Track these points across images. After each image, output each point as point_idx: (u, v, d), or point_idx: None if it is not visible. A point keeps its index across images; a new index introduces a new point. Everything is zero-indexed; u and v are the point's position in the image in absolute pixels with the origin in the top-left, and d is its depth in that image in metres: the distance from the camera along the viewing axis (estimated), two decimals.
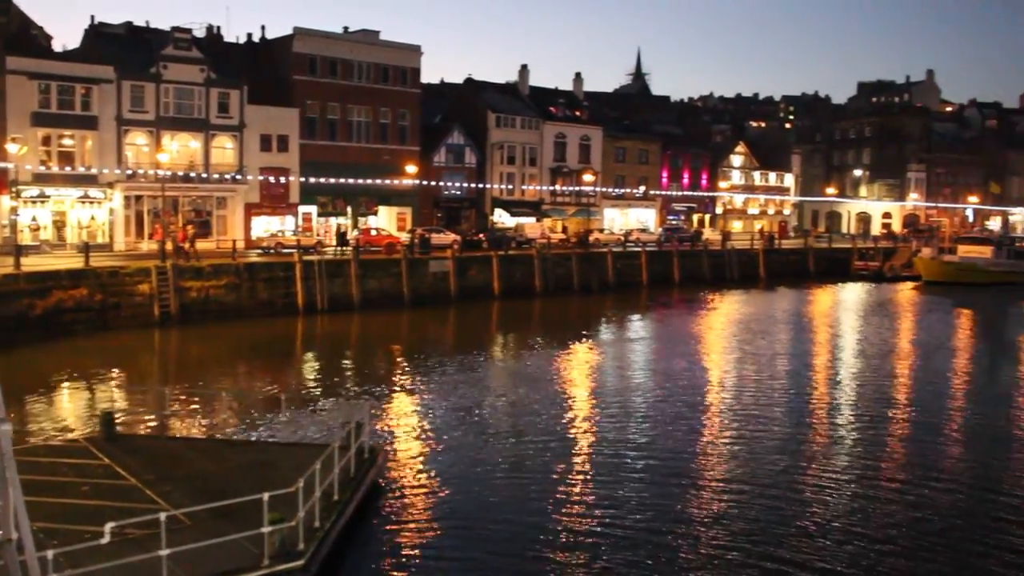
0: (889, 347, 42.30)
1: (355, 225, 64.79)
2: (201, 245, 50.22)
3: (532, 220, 76.98)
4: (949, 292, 66.57)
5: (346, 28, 68.50)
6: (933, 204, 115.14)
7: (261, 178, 60.10)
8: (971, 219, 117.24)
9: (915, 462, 22.75)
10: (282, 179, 61.08)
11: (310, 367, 36.10)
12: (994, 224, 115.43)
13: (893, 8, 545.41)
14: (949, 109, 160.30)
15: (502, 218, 76.87)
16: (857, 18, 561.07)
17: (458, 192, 74.24)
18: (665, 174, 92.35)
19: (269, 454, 19.96)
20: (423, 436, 23.98)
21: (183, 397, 27.84)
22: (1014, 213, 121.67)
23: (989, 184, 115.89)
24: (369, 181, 64.38)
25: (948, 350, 42.36)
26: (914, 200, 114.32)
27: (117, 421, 21.76)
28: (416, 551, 16.58)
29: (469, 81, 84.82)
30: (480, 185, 75.32)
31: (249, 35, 68.27)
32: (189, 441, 22.01)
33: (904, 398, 31.06)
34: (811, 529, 17.77)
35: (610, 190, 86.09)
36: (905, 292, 68.28)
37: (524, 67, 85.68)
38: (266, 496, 13.89)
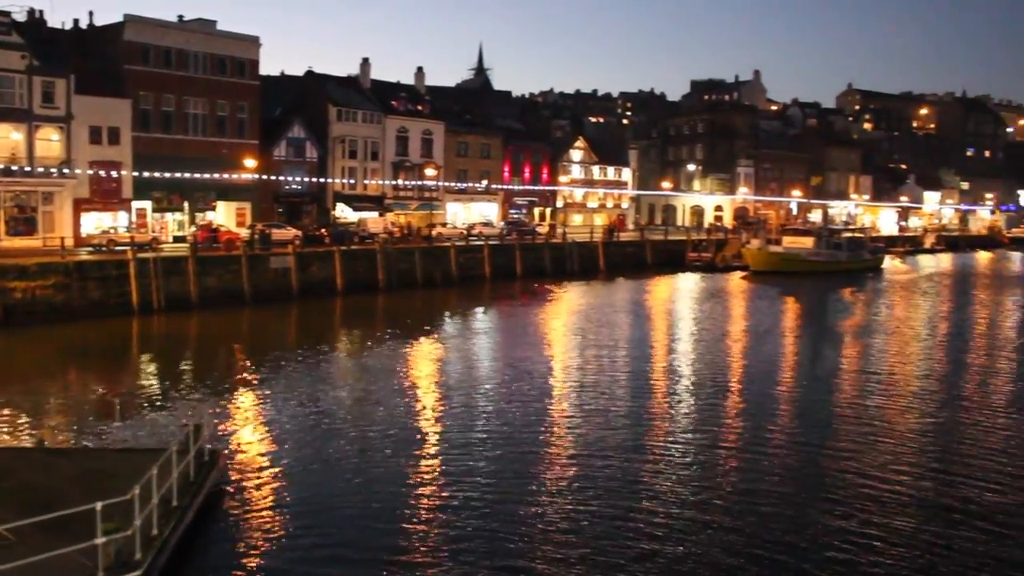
0: (722, 332, 44.69)
1: (192, 221, 62.99)
2: (25, 243, 47.80)
3: (375, 215, 76.71)
4: (775, 281, 70.34)
5: (181, 17, 66.22)
6: (761, 197, 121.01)
7: (91, 172, 57.43)
8: (795, 212, 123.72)
9: (748, 437, 24.39)
10: (114, 173, 58.51)
11: (146, 369, 34.96)
12: (816, 216, 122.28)
13: (723, 9, 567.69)
14: (774, 108, 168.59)
15: (344, 213, 76.23)
16: (691, 18, 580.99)
17: (299, 187, 73.15)
18: (507, 168, 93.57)
19: (103, 461, 19.20)
20: (266, 436, 23.78)
21: (7, 405, 26.59)
22: (833, 206, 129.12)
23: (810, 179, 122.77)
24: (207, 175, 62.56)
25: (775, 334, 45.11)
26: (743, 194, 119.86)
27: None
28: (260, 552, 16.51)
29: (310, 74, 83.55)
30: (322, 180, 74.45)
31: (76, 21, 65.02)
32: (14, 451, 21.01)
33: (736, 379, 32.92)
34: (655, 507, 18.68)
35: (453, 184, 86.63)
36: (735, 281, 71.62)
37: (366, 60, 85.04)
38: (99, 505, 13.32)
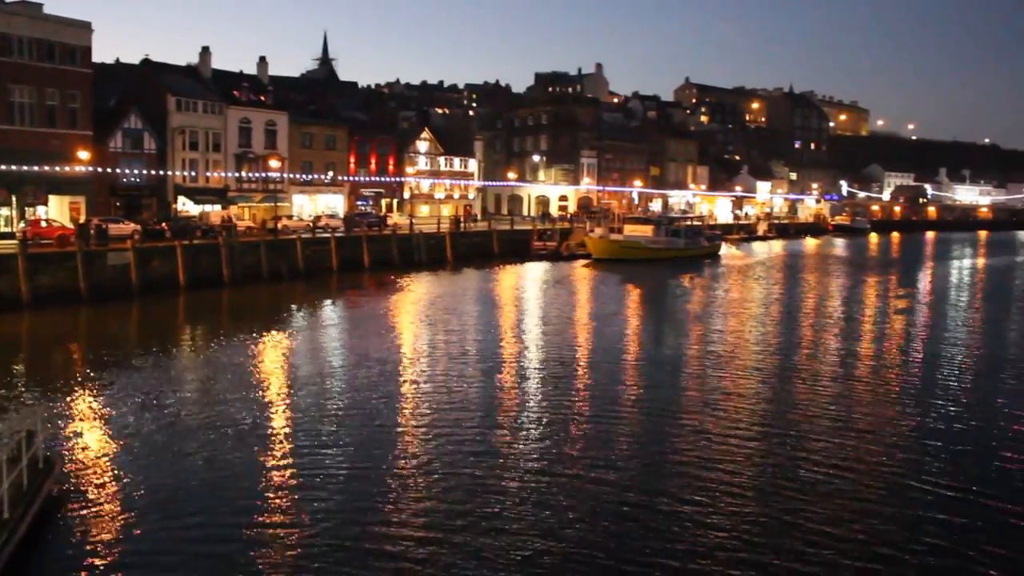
0: (566, 317, 46.21)
1: (22, 216, 60.14)
2: None
3: (218, 207, 75.07)
4: (616, 268, 72.78)
5: None
6: (604, 187, 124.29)
7: None
8: (636, 201, 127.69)
9: (595, 414, 25.50)
10: None
11: None
12: (656, 206, 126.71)
13: (567, 3, 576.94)
14: (616, 100, 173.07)
15: (186, 206, 74.35)
16: (535, 11, 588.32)
17: (137, 179, 70.85)
18: (353, 160, 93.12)
19: None
20: (108, 439, 23.28)
21: None
22: (672, 196, 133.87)
23: (650, 169, 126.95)
24: (36, 168, 59.78)
25: (616, 318, 46.98)
26: (587, 184, 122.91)
27: None
28: (100, 559, 16.26)
29: (147, 62, 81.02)
30: (161, 172, 72.35)
31: None
32: None
33: (582, 360, 34.10)
34: (510, 488, 19.37)
35: (298, 176, 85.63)
36: (579, 269, 73.61)
37: (206, 49, 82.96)
38: None
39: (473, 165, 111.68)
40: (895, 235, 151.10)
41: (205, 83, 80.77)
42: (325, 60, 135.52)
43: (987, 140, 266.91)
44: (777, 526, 17.94)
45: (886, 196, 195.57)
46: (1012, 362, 36.49)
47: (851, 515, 18.54)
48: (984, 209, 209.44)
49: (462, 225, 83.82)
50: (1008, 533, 17.96)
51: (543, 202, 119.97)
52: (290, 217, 77.77)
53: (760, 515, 18.50)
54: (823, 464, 21.80)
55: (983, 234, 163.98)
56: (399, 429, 24.46)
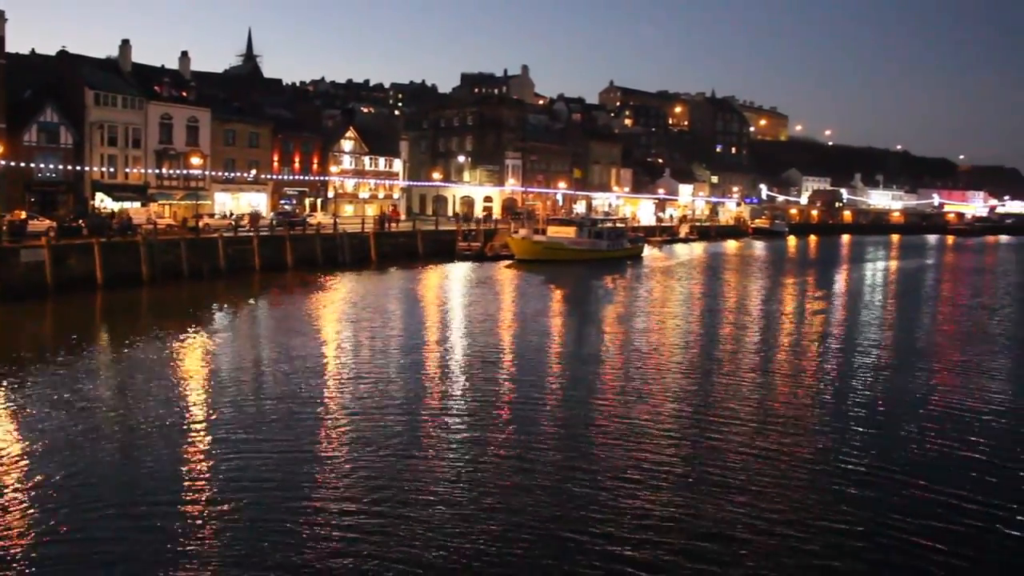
0: (489, 317, 46.56)
1: None
2: None
3: (137, 204, 73.84)
4: (539, 269, 73.50)
5: None
6: (528, 189, 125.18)
7: None
8: (561, 203, 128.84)
9: (516, 411, 25.88)
10: None
11: None
12: (581, 207, 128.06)
13: (494, 4, 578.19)
14: (541, 102, 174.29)
15: (105, 203, 72.96)
16: (462, 11, 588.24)
17: (53, 175, 69.43)
18: (276, 158, 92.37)
19: None
20: (16, 439, 22.93)
21: None
22: (596, 198, 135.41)
23: (575, 171, 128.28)
24: None
25: (538, 318, 47.40)
26: (512, 185, 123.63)
27: None
28: (5, 557, 16.17)
29: (64, 54, 79.20)
30: (78, 168, 70.93)
31: None
32: None
33: (504, 360, 34.48)
34: (428, 486, 19.67)
35: (220, 174, 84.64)
36: (502, 270, 74.15)
37: (126, 42, 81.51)
38: None
39: (398, 165, 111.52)
40: (813, 238, 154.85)
41: (125, 77, 79.36)
42: (250, 56, 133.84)
43: (899, 147, 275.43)
44: (694, 514, 18.57)
45: (804, 200, 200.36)
46: (921, 354, 38.69)
47: (769, 502, 19.27)
48: (896, 214, 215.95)
49: (387, 225, 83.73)
50: (921, 510, 19.03)
51: (468, 203, 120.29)
52: (211, 215, 76.82)
53: (679, 505, 19.10)
54: (740, 452, 22.63)
55: (895, 238, 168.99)
56: (319, 426, 24.58)
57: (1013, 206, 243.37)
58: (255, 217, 73.51)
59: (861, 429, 25.48)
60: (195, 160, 77.46)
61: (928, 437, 24.88)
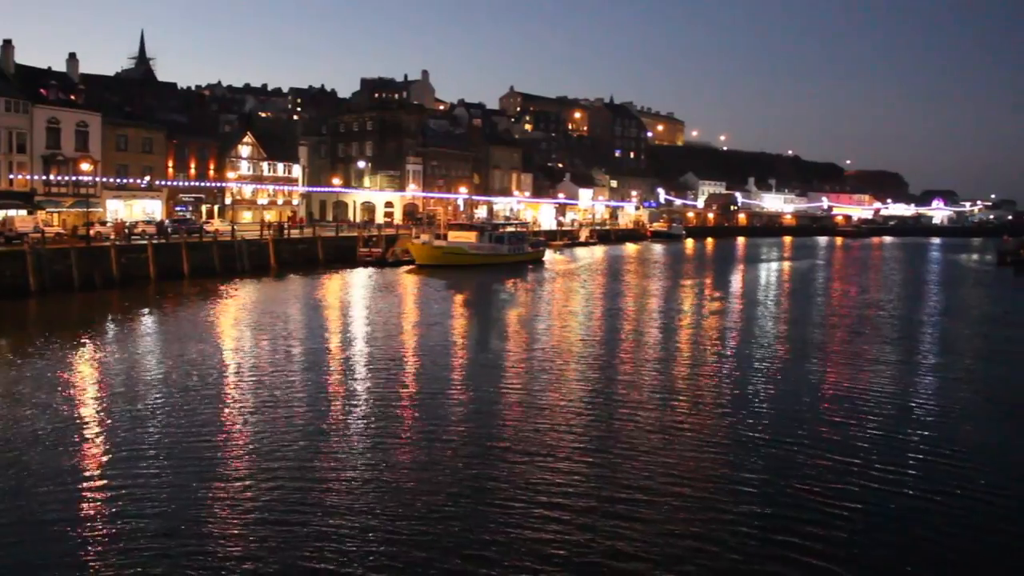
0: (390, 322, 46.60)
1: None
2: None
3: (23, 212, 71.34)
4: (441, 274, 73.77)
5: None
6: (430, 194, 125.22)
7: None
8: (462, 208, 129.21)
9: (420, 416, 25.76)
10: None
11: None
12: (482, 212, 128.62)
13: (393, 8, 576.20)
14: (442, 107, 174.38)
15: None
16: (362, 15, 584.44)
17: None
18: (171, 164, 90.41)
19: None
20: None
21: None
22: (497, 202, 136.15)
23: (475, 176, 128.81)
24: None
25: (439, 322, 47.65)
26: (413, 190, 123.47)
27: None
28: None
29: None
30: None
31: None
32: None
33: (406, 364, 34.35)
34: (333, 488, 19.63)
35: (112, 180, 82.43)
36: (403, 276, 74.02)
37: (8, 42, 78.71)
38: None
39: (297, 171, 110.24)
40: (709, 241, 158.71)
41: (8, 79, 76.64)
42: (142, 59, 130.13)
43: (790, 152, 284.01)
44: (596, 515, 18.88)
45: (700, 204, 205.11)
46: (814, 346, 40.90)
47: (671, 498, 19.73)
48: (788, 216, 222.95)
49: (286, 231, 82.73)
50: (823, 495, 19.80)
51: (369, 208, 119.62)
52: (103, 223, 74.70)
53: (582, 507, 19.37)
54: (639, 449, 23.08)
55: (788, 239, 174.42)
56: (216, 435, 24.23)
57: (896, 209, 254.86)
58: (119, 226, 70.50)
59: (761, 418, 26.33)
60: (85, 166, 75.14)
61: (824, 422, 26.11)
